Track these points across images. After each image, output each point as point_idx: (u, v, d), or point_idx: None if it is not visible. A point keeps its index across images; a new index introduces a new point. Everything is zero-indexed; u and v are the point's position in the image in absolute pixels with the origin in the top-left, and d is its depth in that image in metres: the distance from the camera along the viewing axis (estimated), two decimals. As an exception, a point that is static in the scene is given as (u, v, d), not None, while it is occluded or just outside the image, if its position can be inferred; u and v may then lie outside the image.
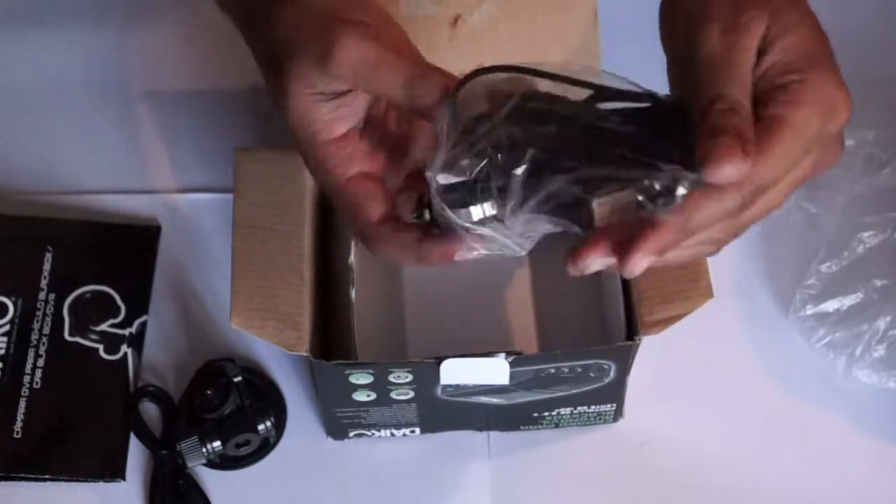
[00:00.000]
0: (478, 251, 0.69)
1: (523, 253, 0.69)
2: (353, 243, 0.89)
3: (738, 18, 0.69)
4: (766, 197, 0.68)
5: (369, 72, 0.72)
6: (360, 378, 0.85)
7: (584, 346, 0.87)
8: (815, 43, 0.69)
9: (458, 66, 0.92)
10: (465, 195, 0.67)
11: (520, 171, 0.65)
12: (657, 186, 0.64)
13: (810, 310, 0.95)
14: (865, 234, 0.96)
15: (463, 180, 0.66)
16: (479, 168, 0.66)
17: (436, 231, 0.71)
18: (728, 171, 0.64)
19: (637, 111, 0.68)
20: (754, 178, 0.66)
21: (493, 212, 0.67)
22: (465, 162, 0.66)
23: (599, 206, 0.65)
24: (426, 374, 0.84)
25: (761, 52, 0.68)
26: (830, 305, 0.95)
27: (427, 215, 0.70)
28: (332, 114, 0.74)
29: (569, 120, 0.67)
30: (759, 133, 0.66)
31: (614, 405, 0.92)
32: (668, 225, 0.66)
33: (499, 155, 0.66)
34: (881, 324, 0.93)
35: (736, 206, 0.66)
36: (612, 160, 0.65)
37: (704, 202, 0.66)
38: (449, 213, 0.67)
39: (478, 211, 0.67)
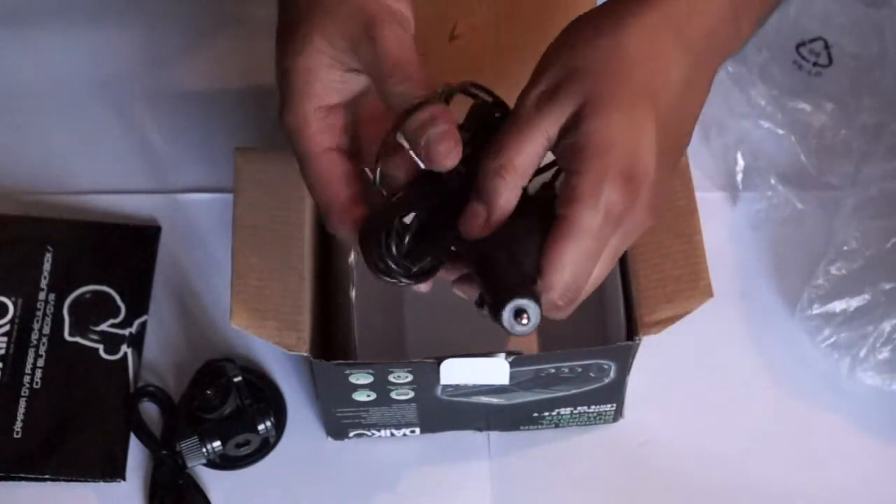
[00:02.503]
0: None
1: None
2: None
3: (560, 83, 0.71)
4: (594, 275, 0.71)
5: (395, 66, 0.72)
6: (360, 378, 0.85)
7: (584, 346, 0.86)
8: (620, 133, 0.69)
9: (458, 66, 0.92)
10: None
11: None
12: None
13: (817, 309, 0.95)
14: (875, 238, 0.96)
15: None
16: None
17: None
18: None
19: None
20: (556, 282, 0.70)
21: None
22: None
23: None
24: (426, 374, 0.84)
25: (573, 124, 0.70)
26: (837, 306, 0.95)
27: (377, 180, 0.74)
28: (337, 82, 0.75)
29: None
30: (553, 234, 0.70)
31: (614, 405, 0.91)
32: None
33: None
34: (887, 326, 0.93)
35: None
36: None
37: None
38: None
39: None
